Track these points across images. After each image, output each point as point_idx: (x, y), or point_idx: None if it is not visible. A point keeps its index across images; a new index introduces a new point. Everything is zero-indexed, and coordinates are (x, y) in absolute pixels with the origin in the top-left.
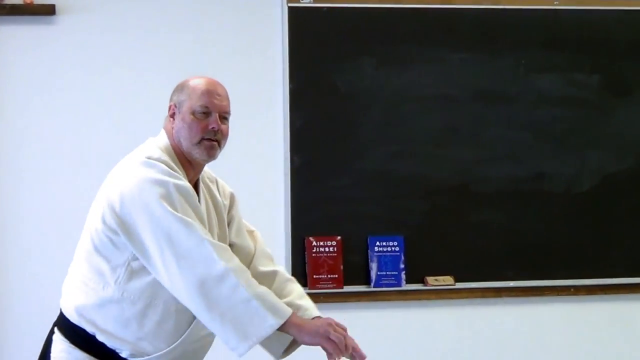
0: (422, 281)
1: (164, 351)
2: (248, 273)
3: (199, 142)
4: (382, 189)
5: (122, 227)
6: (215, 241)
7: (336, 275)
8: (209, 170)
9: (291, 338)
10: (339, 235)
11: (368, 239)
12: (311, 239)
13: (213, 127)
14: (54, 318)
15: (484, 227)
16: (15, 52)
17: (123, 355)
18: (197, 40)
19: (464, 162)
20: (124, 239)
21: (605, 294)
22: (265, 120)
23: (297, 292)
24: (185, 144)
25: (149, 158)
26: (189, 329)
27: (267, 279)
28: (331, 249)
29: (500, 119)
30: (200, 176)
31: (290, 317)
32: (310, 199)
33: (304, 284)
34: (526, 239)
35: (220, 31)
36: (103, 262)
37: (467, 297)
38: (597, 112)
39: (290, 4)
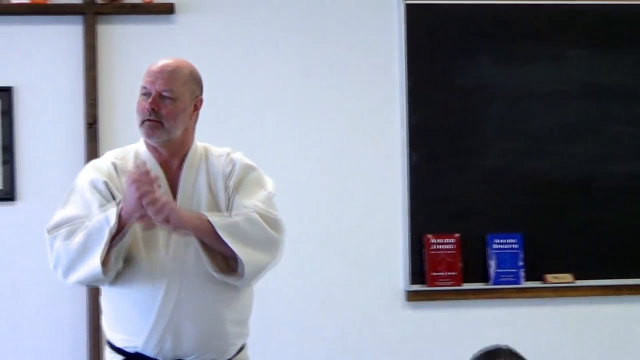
0: (541, 279)
1: (144, 336)
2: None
3: (142, 124)
4: (501, 186)
5: None
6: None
7: (455, 273)
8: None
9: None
10: (457, 233)
11: (487, 237)
12: (429, 236)
13: (147, 108)
14: None
15: (605, 224)
16: (135, 51)
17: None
18: (314, 39)
19: (585, 159)
20: None
21: None
22: (384, 118)
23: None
24: (138, 125)
25: (101, 157)
26: (157, 306)
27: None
28: (450, 246)
29: (621, 115)
30: (196, 153)
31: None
32: (429, 196)
33: (421, 281)
34: None
35: (338, 30)
36: None
37: (586, 295)
38: None
39: (407, 1)
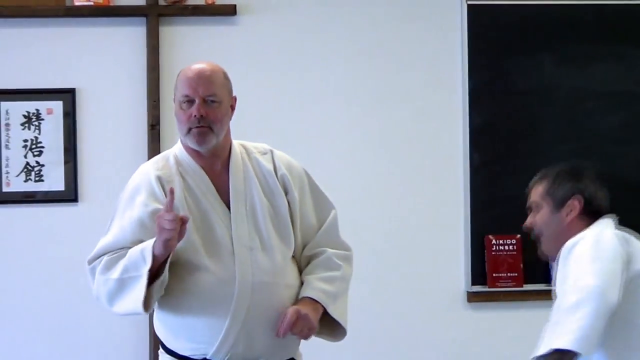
0: None
1: (217, 344)
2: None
3: (188, 132)
4: None
5: None
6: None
7: (516, 274)
8: (258, 144)
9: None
10: (518, 234)
11: None
12: (491, 237)
13: (195, 115)
14: None
15: None
16: (197, 52)
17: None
18: (375, 41)
19: None
20: None
21: None
22: (446, 119)
23: (322, 274)
24: (181, 136)
25: (139, 170)
26: (230, 315)
27: (312, 258)
28: (511, 247)
29: None
30: (239, 153)
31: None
32: (490, 197)
33: (483, 282)
34: None
35: (399, 30)
36: None
37: None
38: None
39: (469, 2)
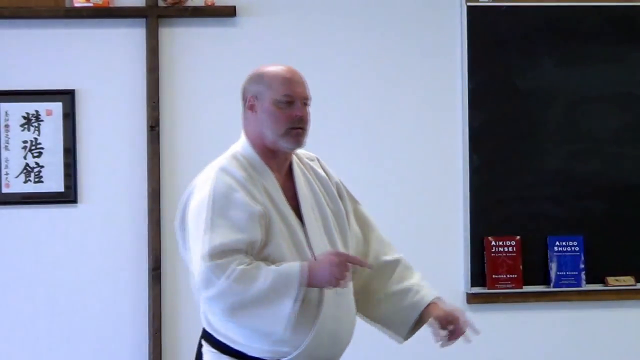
0: (603, 281)
1: (302, 347)
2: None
3: (286, 132)
4: (562, 189)
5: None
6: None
7: (515, 275)
8: (304, 150)
9: (416, 315)
10: (518, 235)
11: (547, 239)
12: (490, 238)
13: (299, 115)
14: None
15: None
16: (197, 53)
17: (267, 358)
18: (376, 41)
19: None
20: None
21: None
22: (445, 120)
23: (417, 277)
24: (271, 136)
25: (213, 168)
26: (319, 317)
27: (389, 267)
28: (510, 248)
29: None
30: (295, 159)
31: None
32: (490, 198)
33: (482, 283)
34: None
35: (400, 32)
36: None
37: None
38: None
39: (469, 3)
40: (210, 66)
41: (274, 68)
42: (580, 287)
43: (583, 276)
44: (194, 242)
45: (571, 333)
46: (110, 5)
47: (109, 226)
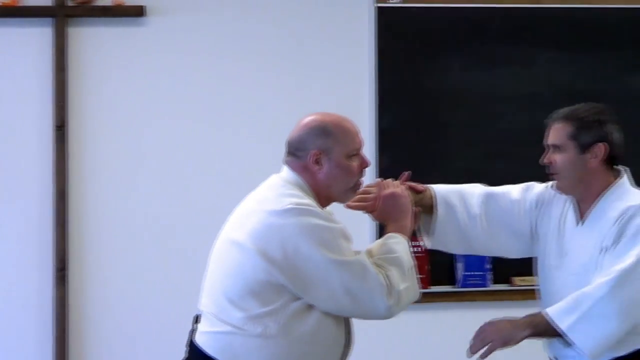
0: (508, 281)
1: None
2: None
3: (354, 186)
4: None
5: (287, 277)
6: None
7: (422, 276)
8: None
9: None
10: None
11: None
12: None
13: (367, 164)
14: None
15: None
16: (105, 53)
17: None
18: (285, 42)
19: None
20: (290, 287)
21: None
22: (354, 121)
23: None
24: (340, 189)
25: (298, 205)
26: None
27: None
28: (417, 249)
29: None
30: None
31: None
32: None
33: None
34: None
35: (308, 32)
36: (259, 306)
37: None
38: None
39: (378, 4)
40: (119, 66)
41: (336, 120)
42: (486, 287)
43: (489, 276)
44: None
45: None
46: (18, 4)
47: (15, 226)
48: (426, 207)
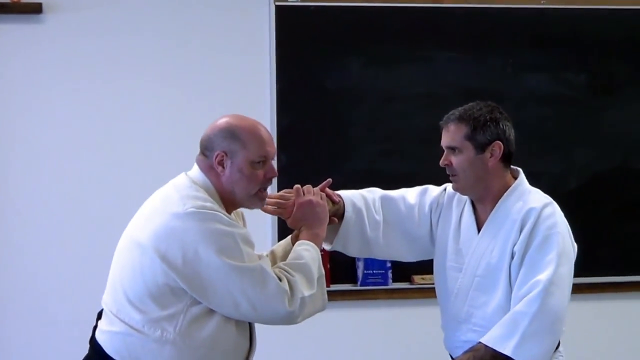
0: (409, 280)
1: None
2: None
3: (256, 193)
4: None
5: (186, 282)
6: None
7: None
8: None
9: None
10: None
11: None
12: None
13: (272, 176)
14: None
15: None
16: (2, 50)
17: None
18: (184, 40)
19: None
20: (189, 292)
21: (592, 292)
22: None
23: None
24: (241, 194)
25: (201, 208)
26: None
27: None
28: None
29: None
30: None
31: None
32: None
33: None
34: None
35: (208, 30)
36: (158, 309)
37: None
38: (585, 111)
39: (277, 3)
40: (17, 63)
41: (247, 125)
42: (387, 285)
43: (390, 275)
44: (228, 281)
45: (378, 331)
46: None
47: None
48: (341, 218)
